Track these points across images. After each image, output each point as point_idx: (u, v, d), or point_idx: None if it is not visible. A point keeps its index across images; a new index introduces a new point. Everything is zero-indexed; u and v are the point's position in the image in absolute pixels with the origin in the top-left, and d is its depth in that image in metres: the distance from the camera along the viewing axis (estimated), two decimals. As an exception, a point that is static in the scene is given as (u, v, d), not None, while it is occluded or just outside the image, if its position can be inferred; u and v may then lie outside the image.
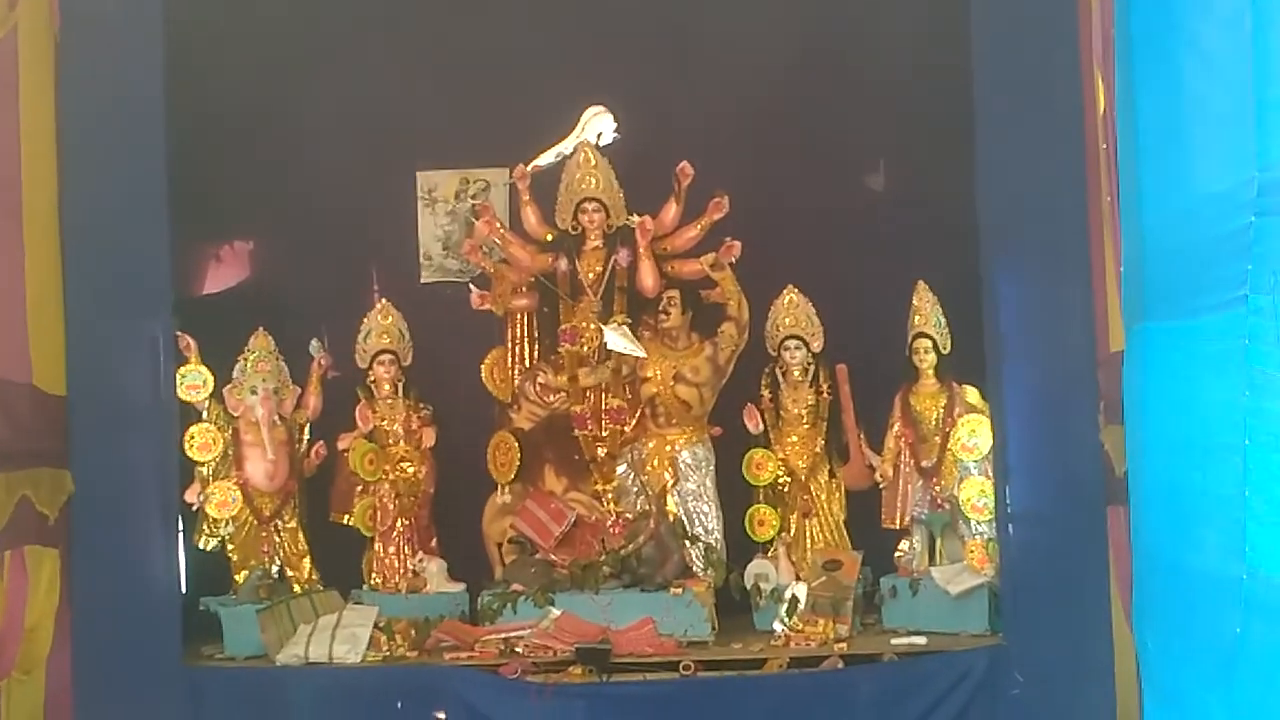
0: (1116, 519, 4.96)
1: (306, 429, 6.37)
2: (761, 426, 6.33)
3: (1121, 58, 2.76)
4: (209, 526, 6.16)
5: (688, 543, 6.20)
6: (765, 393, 6.39)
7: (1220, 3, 2.40)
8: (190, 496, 6.08)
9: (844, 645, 5.65)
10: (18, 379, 5.35)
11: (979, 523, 5.88)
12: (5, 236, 5.33)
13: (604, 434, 6.36)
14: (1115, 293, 4.78)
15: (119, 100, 5.63)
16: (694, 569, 6.14)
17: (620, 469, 6.43)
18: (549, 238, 6.48)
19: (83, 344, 5.64)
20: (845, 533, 6.33)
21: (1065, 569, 5.32)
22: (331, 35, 6.72)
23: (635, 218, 6.33)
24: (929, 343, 6.13)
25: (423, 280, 7.04)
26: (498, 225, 6.45)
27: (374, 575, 6.28)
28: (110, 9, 5.65)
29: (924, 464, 6.10)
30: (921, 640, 5.70)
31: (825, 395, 6.36)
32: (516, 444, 6.45)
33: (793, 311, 6.37)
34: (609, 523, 6.26)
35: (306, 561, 6.26)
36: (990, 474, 5.80)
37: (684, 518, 6.31)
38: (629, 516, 6.28)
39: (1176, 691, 2.67)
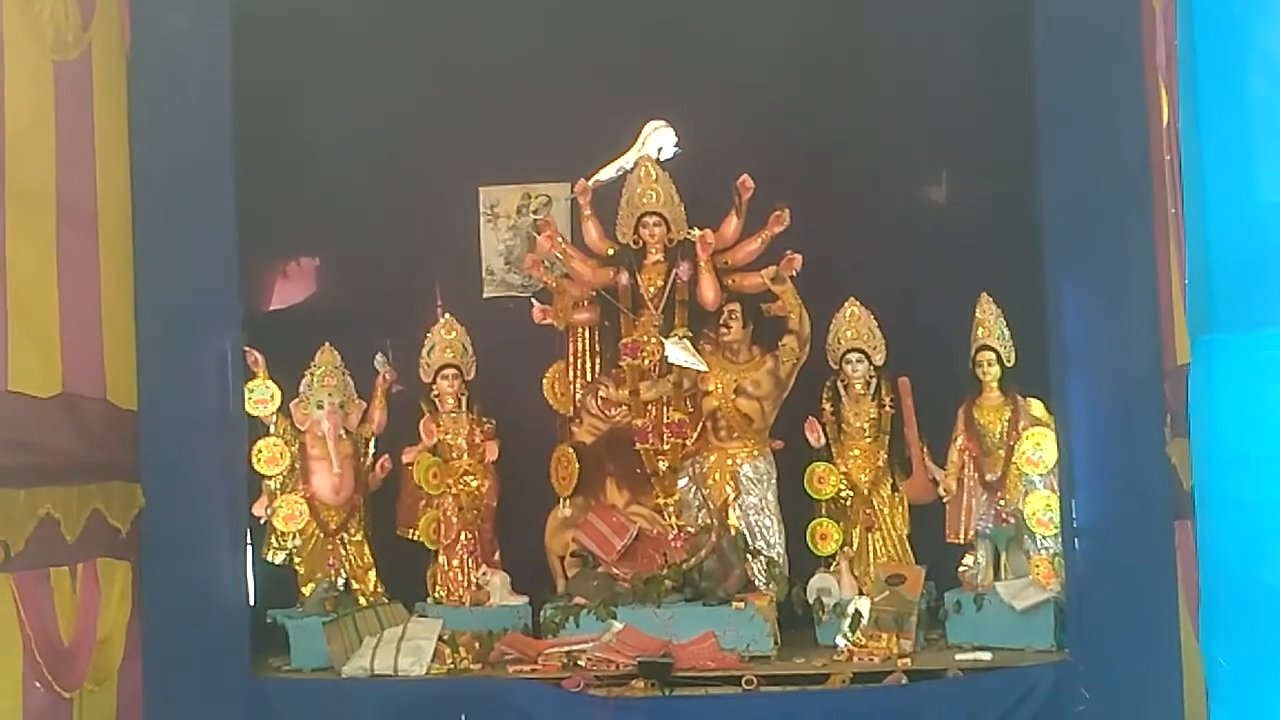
0: (1184, 533, 4.90)
1: (371, 443, 6.42)
2: (823, 440, 6.30)
3: (1185, 68, 2.74)
4: (276, 540, 6.24)
5: (749, 557, 6.18)
6: (827, 406, 6.36)
7: (1285, 12, 2.39)
8: (258, 510, 6.16)
9: (907, 661, 5.62)
10: (91, 394, 5.45)
11: (1044, 537, 5.83)
12: (81, 253, 5.44)
13: (665, 447, 6.36)
14: (1181, 305, 4.73)
15: (189, 118, 5.74)
16: (756, 583, 6.13)
17: (682, 483, 6.43)
18: (610, 252, 6.51)
19: (154, 359, 5.75)
20: (908, 547, 6.29)
21: (1132, 584, 5.26)
22: (396, 52, 6.80)
23: (696, 231, 6.35)
24: (993, 355, 6.08)
25: (485, 295, 7.08)
26: (559, 240, 6.48)
27: (438, 588, 6.33)
28: (180, 29, 5.76)
29: (988, 478, 6.05)
30: (986, 656, 5.65)
31: (888, 408, 6.31)
32: (576, 458, 6.47)
33: (854, 324, 6.33)
34: (671, 536, 6.25)
35: (372, 574, 6.31)
36: (1055, 488, 5.76)
37: (745, 531, 6.28)
38: (691, 530, 6.26)
39: (1247, 708, 2.64)
